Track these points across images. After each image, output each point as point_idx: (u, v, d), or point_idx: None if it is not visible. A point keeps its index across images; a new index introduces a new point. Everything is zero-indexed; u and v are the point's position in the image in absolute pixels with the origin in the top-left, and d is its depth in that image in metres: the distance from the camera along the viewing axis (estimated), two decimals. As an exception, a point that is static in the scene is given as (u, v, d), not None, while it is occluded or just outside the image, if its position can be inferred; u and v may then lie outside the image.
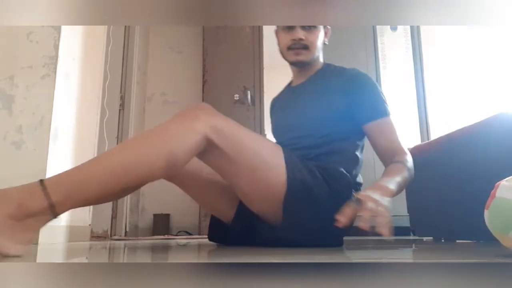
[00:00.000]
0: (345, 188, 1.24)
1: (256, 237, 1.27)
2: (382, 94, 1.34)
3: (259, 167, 1.13)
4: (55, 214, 0.90)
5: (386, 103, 1.33)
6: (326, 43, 1.44)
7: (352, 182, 1.29)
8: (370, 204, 0.93)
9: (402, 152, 1.27)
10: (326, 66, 1.45)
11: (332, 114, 1.32)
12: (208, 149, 1.07)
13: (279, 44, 1.42)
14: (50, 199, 0.88)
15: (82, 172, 0.95)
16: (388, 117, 1.31)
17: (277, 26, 1.42)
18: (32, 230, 0.89)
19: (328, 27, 1.44)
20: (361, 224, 0.91)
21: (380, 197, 0.98)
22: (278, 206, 1.15)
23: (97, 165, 0.97)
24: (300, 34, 1.34)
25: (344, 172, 1.25)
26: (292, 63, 1.43)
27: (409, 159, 1.26)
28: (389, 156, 1.27)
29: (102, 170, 0.95)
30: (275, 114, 1.58)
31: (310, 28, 1.35)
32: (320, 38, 1.39)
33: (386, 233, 0.89)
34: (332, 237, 1.22)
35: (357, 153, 1.36)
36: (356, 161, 1.35)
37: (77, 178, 0.93)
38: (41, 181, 0.90)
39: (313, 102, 1.36)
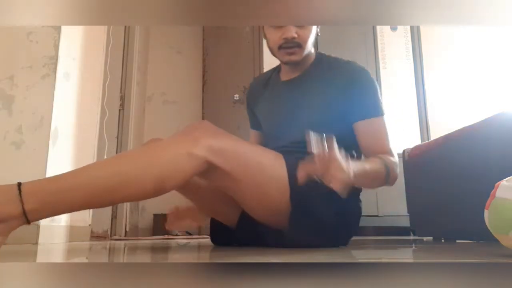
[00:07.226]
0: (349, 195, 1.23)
1: (259, 239, 1.26)
2: (379, 92, 1.27)
3: (262, 182, 1.11)
4: (28, 221, 0.85)
5: (381, 102, 1.25)
6: (319, 34, 1.32)
7: (356, 188, 1.23)
8: (321, 154, 0.86)
9: (386, 152, 1.20)
10: (320, 57, 1.35)
11: (333, 114, 1.25)
12: (210, 171, 1.04)
13: (268, 42, 1.29)
14: (24, 206, 0.83)
15: (64, 181, 0.90)
16: (380, 117, 1.23)
17: None
18: (1, 235, 0.84)
19: None
20: (301, 173, 0.89)
21: (339, 157, 0.90)
22: (283, 216, 1.15)
23: (82, 176, 0.92)
24: (293, 32, 1.21)
25: None
26: (285, 63, 1.32)
27: (392, 159, 1.19)
28: (373, 155, 1.20)
29: (86, 183, 0.90)
30: (263, 109, 1.44)
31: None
32: (314, 32, 1.28)
33: (336, 186, 0.85)
34: (337, 238, 1.23)
35: (354, 152, 1.31)
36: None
37: (56, 186, 0.89)
38: (19, 184, 0.85)
39: (311, 101, 1.28)
